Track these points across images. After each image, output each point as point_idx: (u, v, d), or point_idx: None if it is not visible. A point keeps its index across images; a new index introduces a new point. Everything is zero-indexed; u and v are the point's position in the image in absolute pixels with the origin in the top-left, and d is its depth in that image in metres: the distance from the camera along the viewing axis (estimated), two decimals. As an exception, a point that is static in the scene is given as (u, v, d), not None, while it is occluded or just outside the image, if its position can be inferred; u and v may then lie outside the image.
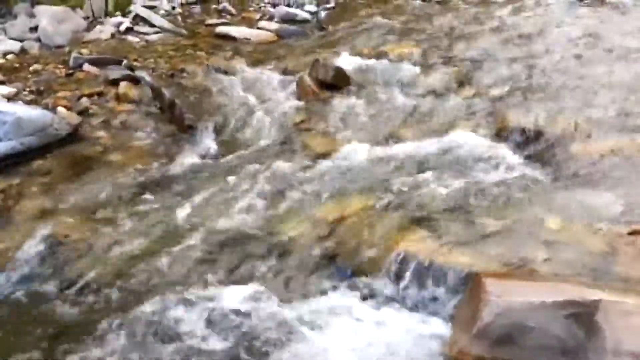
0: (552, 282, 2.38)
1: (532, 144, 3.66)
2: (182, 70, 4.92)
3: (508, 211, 2.96)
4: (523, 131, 3.73)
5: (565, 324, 2.12)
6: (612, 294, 2.21)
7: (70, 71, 4.80)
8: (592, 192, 3.05)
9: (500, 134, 3.79)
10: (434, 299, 2.53)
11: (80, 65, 4.86)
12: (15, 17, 5.80)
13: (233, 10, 6.97)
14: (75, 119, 4.15)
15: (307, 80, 4.64)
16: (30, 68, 4.85)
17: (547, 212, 2.89)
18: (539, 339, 2.12)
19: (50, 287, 2.84)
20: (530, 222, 2.81)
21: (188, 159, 3.97)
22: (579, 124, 3.67)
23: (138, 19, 6.22)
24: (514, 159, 3.52)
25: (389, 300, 2.60)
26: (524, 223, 2.82)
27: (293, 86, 4.71)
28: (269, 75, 4.96)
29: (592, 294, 2.18)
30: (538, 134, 3.69)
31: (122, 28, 5.93)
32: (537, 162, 3.48)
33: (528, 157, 3.54)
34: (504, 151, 3.59)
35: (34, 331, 2.57)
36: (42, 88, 4.48)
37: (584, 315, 2.13)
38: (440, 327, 2.43)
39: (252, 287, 2.72)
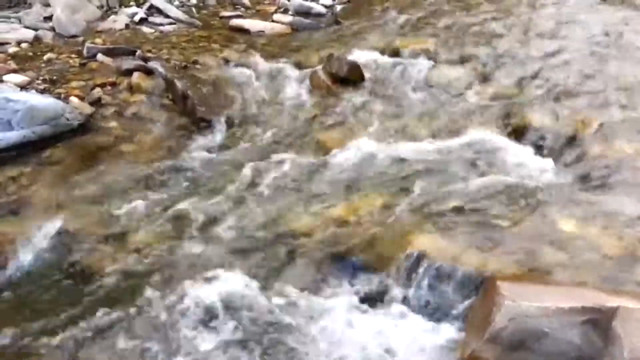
0: (568, 286, 2.33)
1: (550, 144, 3.59)
2: (196, 62, 4.89)
3: (524, 213, 2.90)
4: (541, 131, 3.67)
5: (581, 330, 2.07)
6: (630, 300, 2.16)
7: (84, 61, 4.78)
8: (611, 195, 2.99)
9: (517, 134, 3.72)
10: (446, 300, 2.50)
11: (94, 55, 4.84)
12: (29, 5, 5.80)
13: (248, 3, 6.92)
14: (87, 108, 4.14)
15: (321, 74, 4.60)
16: (44, 57, 4.83)
17: (564, 214, 2.83)
18: (553, 345, 2.08)
19: (59, 277, 2.84)
20: (547, 225, 2.76)
21: (199, 151, 3.95)
22: (599, 124, 3.60)
23: (153, 9, 6.19)
24: (531, 159, 3.46)
25: (400, 301, 2.56)
26: (540, 225, 2.77)
27: (307, 80, 4.66)
28: (283, 69, 4.92)
29: (610, 300, 2.13)
30: (556, 135, 3.63)
31: (137, 18, 5.90)
32: (555, 163, 3.42)
33: (546, 158, 3.48)
34: (521, 151, 3.53)
35: (40, 322, 2.57)
36: (55, 77, 4.47)
37: (600, 322, 2.08)
38: (452, 329, 2.40)
39: (260, 284, 2.70)
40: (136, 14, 5.97)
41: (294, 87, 4.68)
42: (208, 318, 2.53)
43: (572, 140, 3.57)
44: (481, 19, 5.76)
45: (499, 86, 4.37)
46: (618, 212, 2.84)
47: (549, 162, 3.44)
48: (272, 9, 6.77)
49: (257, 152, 3.90)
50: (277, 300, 2.62)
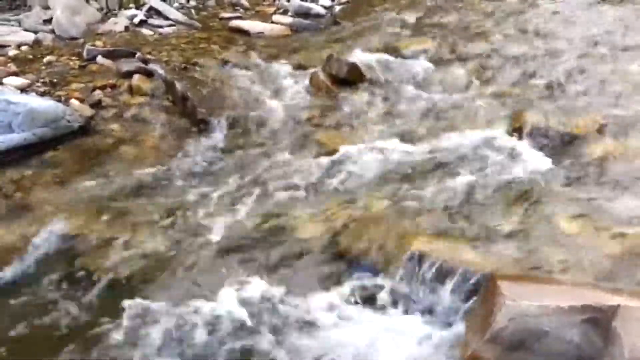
0: (569, 285, 2.33)
1: (550, 143, 3.59)
2: (195, 64, 4.90)
3: (525, 212, 2.90)
4: (541, 130, 3.67)
5: (581, 329, 2.07)
6: (631, 299, 2.16)
7: (84, 63, 4.79)
8: (611, 194, 3.00)
9: (517, 133, 3.72)
10: (447, 300, 2.50)
11: (94, 57, 4.85)
12: (29, 8, 5.81)
13: (247, 4, 6.94)
14: (88, 111, 4.15)
15: (321, 75, 4.60)
16: (44, 60, 4.84)
17: (565, 213, 2.84)
18: (553, 344, 2.08)
19: (59, 280, 2.84)
20: (548, 224, 2.76)
21: (199, 153, 3.96)
22: (599, 123, 3.61)
23: (152, 11, 6.20)
24: (532, 158, 3.46)
25: (401, 300, 2.57)
26: (541, 224, 2.77)
27: (306, 81, 4.67)
28: (282, 70, 4.93)
29: (610, 299, 2.13)
30: (556, 133, 3.63)
31: (136, 20, 5.91)
32: (555, 162, 3.41)
33: (546, 157, 3.47)
34: (521, 150, 3.53)
35: (40, 325, 2.58)
36: (55, 80, 4.48)
37: (601, 321, 2.08)
38: (452, 329, 2.40)
39: (260, 285, 2.70)
40: (136, 16, 5.98)
41: (294, 88, 4.68)
42: (208, 318, 2.53)
43: (572, 140, 3.57)
44: (480, 19, 5.77)
45: (498, 86, 4.38)
46: (619, 211, 2.84)
47: (549, 161, 3.44)
48: (272, 10, 6.78)
49: (257, 153, 3.90)
50: (278, 300, 2.62)
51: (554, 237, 2.68)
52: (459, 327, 2.38)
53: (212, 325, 2.51)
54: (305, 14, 6.52)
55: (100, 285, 2.80)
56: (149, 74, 4.61)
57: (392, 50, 5.09)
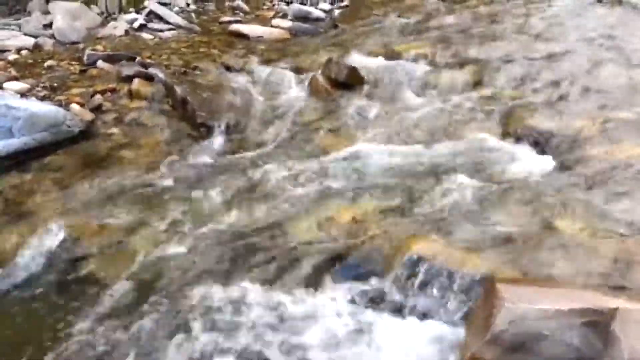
0: (568, 288, 2.33)
1: (548, 146, 3.61)
2: (195, 68, 4.92)
3: (524, 215, 2.91)
4: (539, 133, 3.69)
5: (580, 332, 2.08)
6: (630, 302, 2.16)
7: (84, 67, 4.81)
8: (611, 197, 2.99)
9: (516, 136, 3.74)
10: (446, 303, 2.49)
11: (94, 62, 4.87)
12: (29, 13, 5.84)
13: (247, 8, 6.98)
14: (88, 115, 4.17)
15: (320, 78, 4.62)
16: (44, 64, 4.86)
17: (564, 216, 2.84)
18: (553, 347, 2.08)
19: (60, 283, 2.85)
20: (547, 227, 2.77)
21: (199, 156, 3.97)
22: (598, 127, 3.61)
23: (152, 15, 6.23)
24: (530, 162, 3.47)
25: (400, 303, 2.56)
26: (540, 228, 2.77)
27: (306, 84, 4.69)
28: (282, 74, 4.94)
29: (609, 302, 2.13)
30: (555, 137, 3.64)
31: (136, 25, 5.94)
32: (554, 166, 3.42)
33: (545, 161, 3.49)
34: (520, 154, 3.54)
35: (39, 328, 2.58)
36: (55, 84, 4.50)
37: (600, 324, 2.08)
38: (452, 331, 2.40)
39: (261, 287, 2.70)
40: (136, 20, 6.01)
41: (293, 92, 4.70)
42: (210, 322, 2.54)
43: (571, 142, 3.58)
44: (479, 23, 5.79)
45: (498, 88, 4.39)
46: (619, 214, 2.84)
47: (548, 164, 3.45)
48: (271, 14, 6.82)
49: (257, 157, 3.91)
50: (278, 303, 2.62)
51: (554, 240, 2.68)
52: (459, 329, 2.39)
53: (212, 327, 2.51)
54: (304, 17, 6.55)
55: (99, 289, 2.80)
56: (149, 78, 4.62)
57: (392, 53, 5.11)
